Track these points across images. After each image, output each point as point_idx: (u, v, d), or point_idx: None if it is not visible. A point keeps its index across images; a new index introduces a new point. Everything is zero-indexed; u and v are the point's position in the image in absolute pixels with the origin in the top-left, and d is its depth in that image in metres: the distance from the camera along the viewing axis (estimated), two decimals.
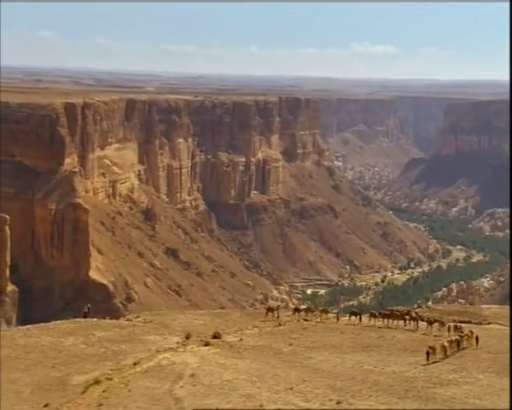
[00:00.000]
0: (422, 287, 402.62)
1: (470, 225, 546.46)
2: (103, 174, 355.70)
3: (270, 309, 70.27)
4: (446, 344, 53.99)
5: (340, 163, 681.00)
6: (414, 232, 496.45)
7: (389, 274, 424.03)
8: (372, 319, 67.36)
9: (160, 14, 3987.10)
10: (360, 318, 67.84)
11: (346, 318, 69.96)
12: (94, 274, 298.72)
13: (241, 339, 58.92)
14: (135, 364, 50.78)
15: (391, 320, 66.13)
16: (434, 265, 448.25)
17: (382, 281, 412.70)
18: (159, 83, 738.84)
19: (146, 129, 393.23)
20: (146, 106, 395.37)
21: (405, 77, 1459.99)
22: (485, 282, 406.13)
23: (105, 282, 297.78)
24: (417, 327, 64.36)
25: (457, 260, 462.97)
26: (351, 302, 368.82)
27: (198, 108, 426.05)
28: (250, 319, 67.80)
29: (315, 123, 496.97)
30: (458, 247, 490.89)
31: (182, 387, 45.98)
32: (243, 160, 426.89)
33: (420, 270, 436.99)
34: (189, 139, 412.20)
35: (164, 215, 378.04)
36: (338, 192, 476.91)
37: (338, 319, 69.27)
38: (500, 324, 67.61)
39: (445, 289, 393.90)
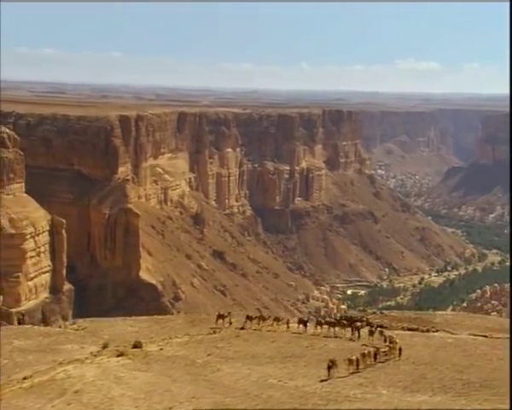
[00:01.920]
0: (458, 289, 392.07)
1: (506, 231, 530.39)
2: (155, 182, 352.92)
3: (220, 316, 63.17)
4: (354, 358, 46.30)
5: (383, 172, 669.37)
6: (451, 237, 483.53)
7: (426, 276, 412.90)
8: (318, 327, 59.88)
9: (219, 35, 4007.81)
10: (305, 325, 60.46)
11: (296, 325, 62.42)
12: (144, 274, 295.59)
13: (161, 349, 51.67)
14: (25, 378, 44.01)
15: (337, 328, 58.59)
16: (470, 268, 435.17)
17: (420, 283, 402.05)
18: (214, 97, 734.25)
19: (196, 140, 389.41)
20: (196, 118, 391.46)
21: (447, 91, 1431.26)
22: None
23: (154, 282, 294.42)
24: (359, 336, 56.69)
25: (493, 263, 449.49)
26: (388, 303, 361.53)
27: (246, 120, 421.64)
28: (189, 326, 60.47)
29: (357, 134, 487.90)
30: (494, 251, 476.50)
31: (54, 406, 39.42)
32: (288, 168, 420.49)
33: (456, 273, 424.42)
34: (237, 149, 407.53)
35: (212, 220, 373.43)
36: (378, 199, 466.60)
37: (288, 327, 61.86)
38: (447, 331, 59.41)
39: (479, 291, 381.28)
